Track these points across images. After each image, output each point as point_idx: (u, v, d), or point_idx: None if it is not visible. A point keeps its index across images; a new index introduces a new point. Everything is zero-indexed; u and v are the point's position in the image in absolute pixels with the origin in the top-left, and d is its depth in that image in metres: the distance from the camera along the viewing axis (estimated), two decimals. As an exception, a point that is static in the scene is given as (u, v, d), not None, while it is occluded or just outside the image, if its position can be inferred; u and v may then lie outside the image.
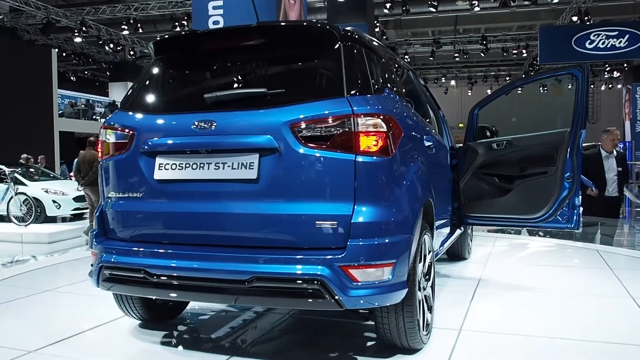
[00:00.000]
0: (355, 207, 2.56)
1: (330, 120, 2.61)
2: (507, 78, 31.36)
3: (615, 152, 7.18)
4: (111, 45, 22.09)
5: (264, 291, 2.60)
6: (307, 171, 2.60)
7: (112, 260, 2.89)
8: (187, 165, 2.78)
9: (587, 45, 18.21)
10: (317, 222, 2.56)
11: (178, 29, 19.92)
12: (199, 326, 3.74)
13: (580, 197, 4.08)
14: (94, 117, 25.55)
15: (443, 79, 32.10)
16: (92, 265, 3.06)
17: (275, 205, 2.63)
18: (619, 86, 30.61)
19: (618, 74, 28.65)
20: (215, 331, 3.60)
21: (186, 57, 3.25)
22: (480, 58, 26.90)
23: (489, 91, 27.81)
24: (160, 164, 2.85)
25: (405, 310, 2.84)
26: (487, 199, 4.47)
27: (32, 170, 12.81)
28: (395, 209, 2.69)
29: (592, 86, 34.28)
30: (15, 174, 11.35)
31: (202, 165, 2.76)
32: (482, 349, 3.20)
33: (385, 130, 2.63)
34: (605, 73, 29.47)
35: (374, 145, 2.59)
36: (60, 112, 22.57)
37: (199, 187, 2.78)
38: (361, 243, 2.53)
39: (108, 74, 28.86)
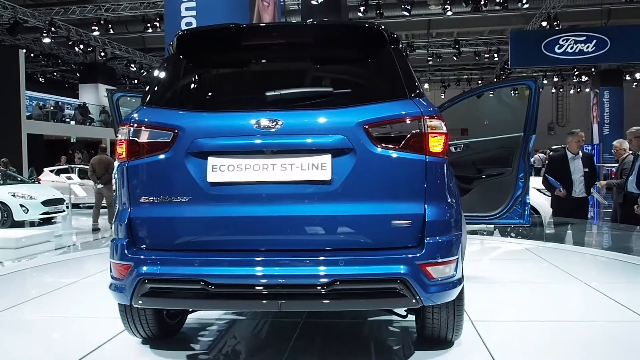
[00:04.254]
0: (426, 205, 2.61)
1: (403, 121, 2.64)
2: (480, 81, 31.83)
3: (581, 154, 7.32)
4: (81, 46, 21.71)
5: (344, 294, 2.55)
6: (381, 171, 2.60)
7: (157, 272, 2.60)
8: (248, 167, 2.60)
9: (556, 49, 18.59)
10: (392, 221, 2.58)
11: (150, 30, 19.69)
12: (216, 340, 3.49)
13: (529, 195, 4.40)
14: (63, 119, 25.02)
15: (416, 82, 32.44)
16: (115, 278, 2.72)
17: (351, 206, 2.58)
18: (587, 90, 31.34)
19: (586, 78, 29.33)
20: (229, 342, 3.44)
21: (228, 53, 3.04)
22: (452, 62, 27.24)
23: (461, 94, 28.15)
24: (214, 165, 2.62)
25: (457, 304, 2.90)
26: None
27: (-2, 173, 12.49)
28: (453, 206, 2.76)
29: (561, 90, 35.08)
30: (-19, 178, 11.05)
31: (265, 166, 2.59)
32: (507, 335, 3.41)
33: (445, 131, 2.70)
34: (574, 77, 30.13)
35: (437, 146, 2.65)
36: (28, 114, 22.05)
37: (261, 189, 2.61)
38: (435, 240, 2.59)
39: (78, 75, 28.36)
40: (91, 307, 4.20)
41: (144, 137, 2.74)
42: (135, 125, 2.76)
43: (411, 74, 2.85)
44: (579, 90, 33.27)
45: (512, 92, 31.67)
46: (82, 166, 17.45)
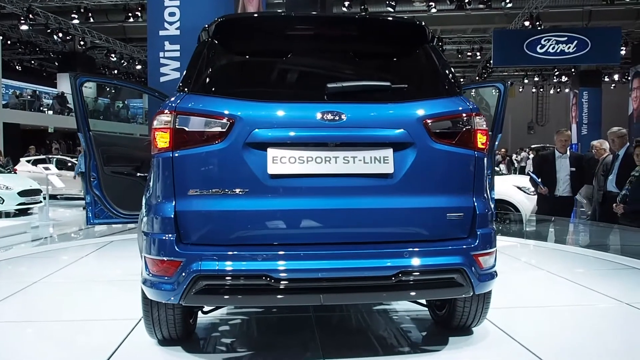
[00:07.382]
0: (474, 199, 2.75)
1: (458, 117, 2.75)
2: (462, 79, 32.08)
3: (569, 153, 7.37)
4: (60, 35, 21.28)
5: (409, 285, 2.61)
6: (437, 165, 2.69)
7: (216, 268, 2.49)
8: (310, 159, 2.58)
9: (538, 49, 18.80)
10: (448, 214, 2.69)
11: (131, 19, 19.41)
12: (238, 334, 3.42)
13: (494, 190, 4.48)
14: (40, 108, 24.56)
15: (399, 78, 32.61)
16: (155, 276, 2.58)
17: (412, 199, 2.66)
18: (567, 90, 31.77)
19: (566, 79, 29.71)
20: (251, 339, 3.36)
21: (279, 42, 3.03)
22: (435, 59, 27.34)
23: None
24: (274, 157, 2.56)
25: (487, 294, 3.04)
26: None
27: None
28: (491, 200, 2.91)
29: (541, 90, 35.55)
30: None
31: (327, 159, 2.59)
32: (522, 320, 3.59)
33: (486, 128, 2.81)
34: (554, 77, 30.52)
35: (482, 142, 2.78)
36: (5, 102, 21.60)
37: (323, 182, 2.59)
38: (484, 232, 2.73)
39: (56, 64, 27.84)
40: (75, 306, 4.02)
41: (195, 125, 2.59)
42: (184, 113, 2.60)
43: (452, 70, 2.96)
44: (558, 90, 33.72)
45: (493, 91, 32.01)
46: (59, 157, 17.14)
